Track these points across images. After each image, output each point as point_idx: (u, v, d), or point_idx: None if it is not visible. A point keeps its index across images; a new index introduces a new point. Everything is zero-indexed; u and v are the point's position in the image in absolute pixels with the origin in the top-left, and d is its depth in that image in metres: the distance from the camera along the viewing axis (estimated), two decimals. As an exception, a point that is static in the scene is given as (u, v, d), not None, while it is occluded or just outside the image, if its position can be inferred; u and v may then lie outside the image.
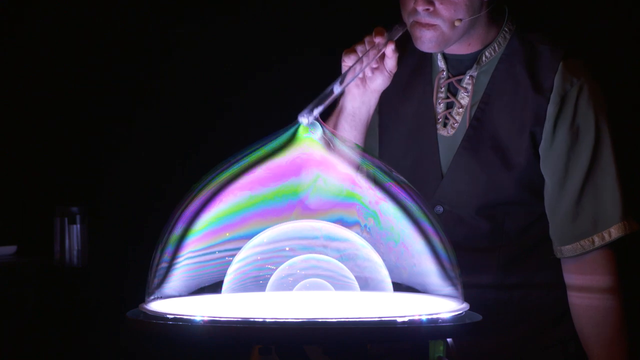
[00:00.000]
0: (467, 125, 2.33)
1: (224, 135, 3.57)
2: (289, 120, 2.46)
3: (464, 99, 2.35)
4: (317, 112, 1.94)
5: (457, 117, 2.35)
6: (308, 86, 2.43)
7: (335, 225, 1.83)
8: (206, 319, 1.62)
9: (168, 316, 1.66)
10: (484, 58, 2.35)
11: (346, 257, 1.80)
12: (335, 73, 2.39)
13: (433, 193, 2.33)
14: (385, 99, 2.41)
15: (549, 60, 2.31)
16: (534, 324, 2.37)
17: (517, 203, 2.33)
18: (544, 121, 2.29)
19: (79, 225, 3.63)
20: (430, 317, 1.65)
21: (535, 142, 2.30)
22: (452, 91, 2.37)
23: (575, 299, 2.31)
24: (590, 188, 2.29)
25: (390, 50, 2.24)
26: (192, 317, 1.63)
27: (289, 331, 1.60)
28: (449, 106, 2.37)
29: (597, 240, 2.28)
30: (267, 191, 1.84)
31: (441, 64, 2.38)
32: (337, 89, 2.07)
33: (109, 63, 3.76)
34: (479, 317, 1.73)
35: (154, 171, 3.71)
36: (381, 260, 1.81)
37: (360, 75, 2.27)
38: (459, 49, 2.34)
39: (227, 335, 1.60)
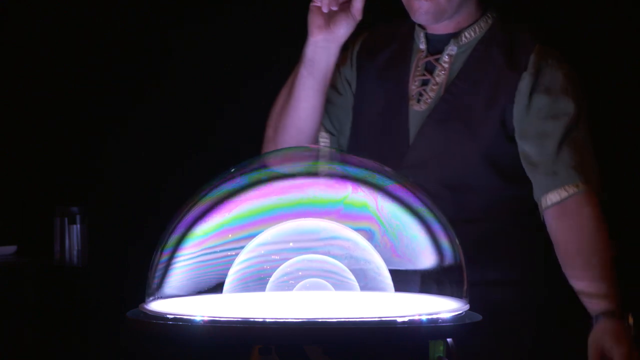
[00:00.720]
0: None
1: (224, 136, 3.57)
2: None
3: (439, 76, 2.40)
4: None
5: (431, 93, 2.39)
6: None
7: (337, 224, 1.82)
8: (206, 319, 1.62)
9: (168, 316, 1.66)
10: (463, 38, 2.40)
11: (347, 257, 1.80)
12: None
13: (399, 164, 2.34)
14: (362, 82, 2.46)
15: (526, 43, 2.36)
16: (533, 323, 2.37)
17: (481, 176, 2.34)
18: (514, 97, 2.32)
19: (79, 225, 3.63)
20: (430, 317, 1.65)
21: (504, 118, 2.33)
22: (429, 69, 2.41)
23: (560, 237, 2.30)
24: (570, 143, 2.30)
25: None
26: (192, 317, 1.63)
27: (289, 331, 1.59)
28: (424, 83, 2.40)
29: (582, 186, 2.29)
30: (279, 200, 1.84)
31: (422, 45, 2.42)
32: None
33: (109, 63, 3.76)
34: (479, 317, 1.73)
35: (153, 171, 3.71)
36: (382, 260, 1.81)
37: (325, 10, 2.30)
38: (446, 27, 2.40)
39: (227, 335, 1.60)
